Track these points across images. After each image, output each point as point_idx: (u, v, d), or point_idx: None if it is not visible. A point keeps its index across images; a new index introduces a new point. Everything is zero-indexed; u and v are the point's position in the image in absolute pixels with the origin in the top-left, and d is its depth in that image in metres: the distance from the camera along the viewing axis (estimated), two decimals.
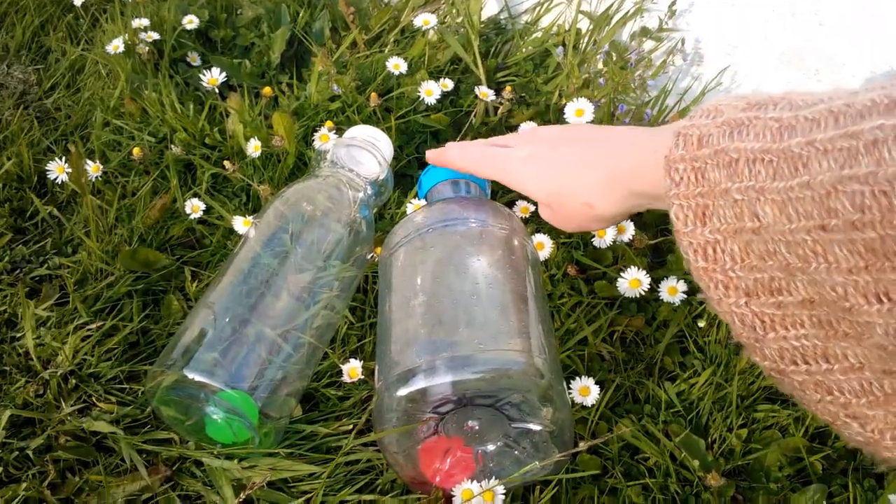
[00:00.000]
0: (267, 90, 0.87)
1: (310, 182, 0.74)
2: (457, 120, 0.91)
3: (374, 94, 0.84)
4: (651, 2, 0.90)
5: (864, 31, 0.78)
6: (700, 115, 0.40)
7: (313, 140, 0.81)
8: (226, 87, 0.96)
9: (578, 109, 0.78)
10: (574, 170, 0.53)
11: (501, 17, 1.03)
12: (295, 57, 1.04)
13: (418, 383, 0.51)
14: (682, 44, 0.88)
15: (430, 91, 0.85)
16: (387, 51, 1.00)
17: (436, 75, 0.95)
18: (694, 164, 0.38)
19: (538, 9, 1.00)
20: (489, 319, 0.55)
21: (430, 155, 0.69)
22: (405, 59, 0.94)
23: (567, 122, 0.81)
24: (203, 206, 0.77)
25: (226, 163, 0.79)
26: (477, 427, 0.53)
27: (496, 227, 0.64)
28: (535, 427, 0.52)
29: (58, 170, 0.80)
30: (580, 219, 0.55)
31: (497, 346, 0.54)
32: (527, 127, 0.85)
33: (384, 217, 0.80)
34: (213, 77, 0.86)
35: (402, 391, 0.51)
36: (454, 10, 1.01)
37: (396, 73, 0.88)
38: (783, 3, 0.82)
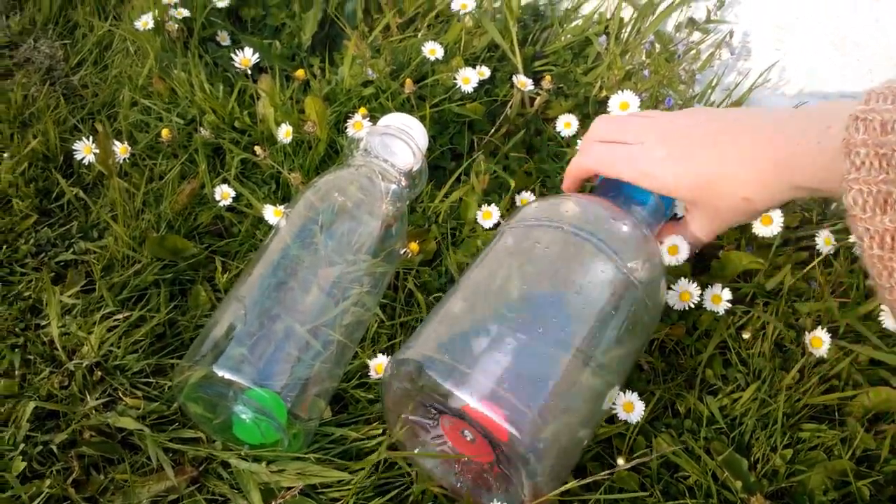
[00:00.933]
0: (300, 73, 0.85)
1: (342, 172, 0.71)
2: (492, 110, 0.88)
3: (408, 81, 0.82)
4: None
5: None
6: (876, 100, 0.39)
7: (346, 127, 0.79)
8: (256, 70, 0.94)
9: (623, 102, 0.75)
10: (729, 166, 0.51)
11: (541, 2, 1.00)
12: (327, 39, 1.02)
13: (439, 379, 0.49)
14: (731, 37, 0.85)
15: (468, 79, 0.82)
16: (420, 35, 0.98)
17: (471, 62, 0.92)
18: (878, 149, 0.37)
19: None
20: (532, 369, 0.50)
21: (570, 169, 0.65)
22: (441, 44, 0.92)
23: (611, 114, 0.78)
24: (233, 194, 0.75)
25: (256, 148, 0.77)
26: (469, 438, 0.51)
27: (629, 273, 0.55)
28: (513, 480, 0.50)
29: (85, 150, 0.78)
30: (733, 215, 0.54)
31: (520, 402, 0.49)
32: (571, 120, 0.82)
33: (416, 210, 0.78)
34: (245, 58, 0.83)
35: (429, 374, 0.49)
36: None
37: (432, 58, 0.85)
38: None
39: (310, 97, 0.79)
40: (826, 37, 0.81)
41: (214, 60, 0.96)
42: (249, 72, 0.86)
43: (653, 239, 0.59)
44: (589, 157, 0.62)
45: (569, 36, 0.96)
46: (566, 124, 0.83)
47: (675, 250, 0.61)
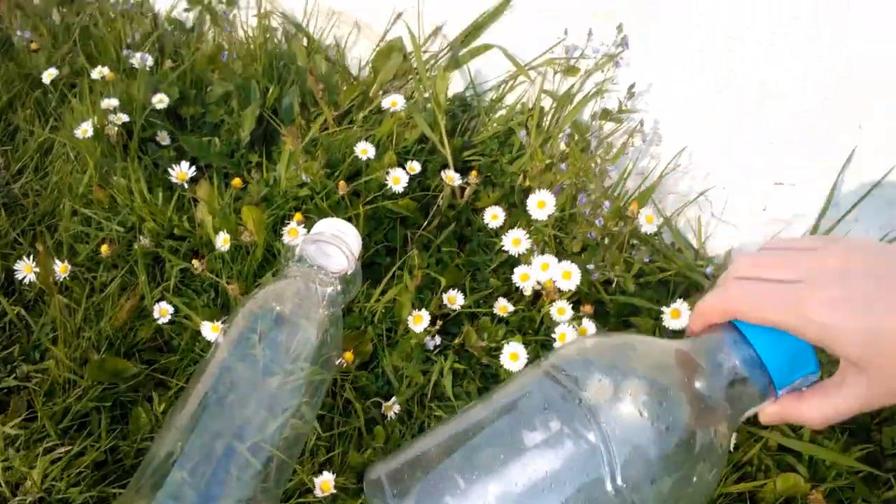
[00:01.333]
0: (236, 182, 0.88)
1: (279, 283, 0.75)
2: (425, 202, 0.92)
3: (342, 183, 0.86)
4: (612, 83, 0.92)
5: (826, 119, 0.81)
6: None
7: (283, 231, 0.82)
8: (197, 168, 0.97)
9: (540, 201, 0.80)
10: None
11: (467, 93, 1.05)
12: (265, 134, 1.05)
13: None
14: (642, 125, 0.90)
15: (398, 179, 0.87)
16: (356, 127, 1.02)
17: (404, 155, 0.97)
18: None
19: (503, 86, 1.02)
20: None
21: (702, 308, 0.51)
22: (374, 137, 0.96)
23: (531, 214, 0.83)
24: (171, 310, 0.77)
25: (194, 262, 0.80)
26: None
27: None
28: None
29: (26, 269, 0.80)
30: None
31: None
32: (498, 212, 0.87)
33: (353, 311, 0.81)
34: (181, 171, 0.86)
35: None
36: (421, 86, 1.03)
37: (364, 157, 0.90)
38: (749, 87, 0.84)
39: (246, 207, 0.82)
40: (733, 118, 0.87)
41: (154, 161, 0.99)
42: (187, 185, 0.89)
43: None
44: (730, 296, 0.49)
45: (495, 125, 1.01)
46: (493, 216, 0.87)
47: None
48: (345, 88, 1.09)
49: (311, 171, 0.87)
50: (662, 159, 0.92)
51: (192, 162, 0.90)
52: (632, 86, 0.90)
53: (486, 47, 1.00)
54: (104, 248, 0.82)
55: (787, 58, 0.81)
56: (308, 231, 0.80)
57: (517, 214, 0.91)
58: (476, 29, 0.99)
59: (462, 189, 0.92)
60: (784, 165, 0.86)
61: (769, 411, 0.50)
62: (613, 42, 0.89)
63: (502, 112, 1.02)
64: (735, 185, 0.89)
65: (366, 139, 0.98)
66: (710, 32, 0.84)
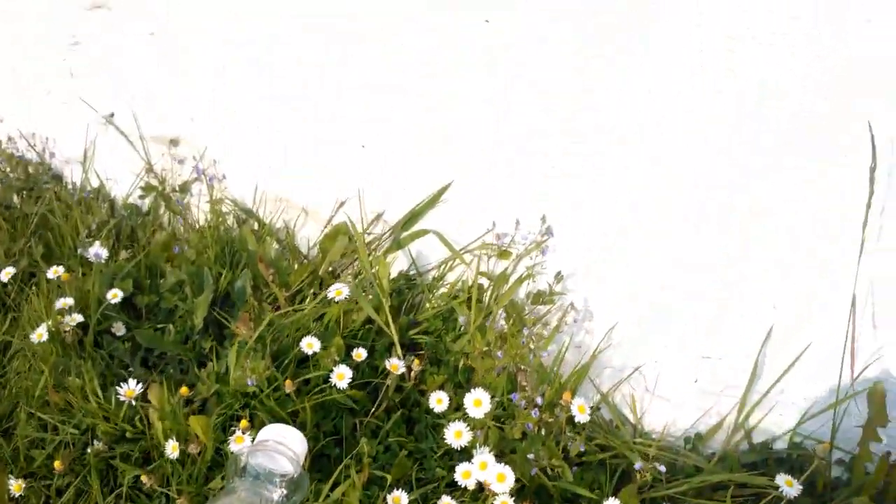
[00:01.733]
0: (184, 390, 0.91)
1: (226, 499, 0.77)
2: (374, 385, 0.96)
3: (288, 382, 0.89)
4: (541, 267, 0.98)
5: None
6: None
7: (229, 439, 0.85)
8: (153, 356, 1.01)
9: (476, 400, 0.84)
10: None
11: (412, 272, 1.10)
12: (220, 316, 1.09)
13: None
14: (572, 306, 0.96)
15: (342, 375, 0.90)
16: (307, 308, 1.06)
17: (352, 337, 1.01)
18: None
19: (443, 266, 1.07)
20: None
21: None
22: (322, 323, 1.00)
23: (468, 412, 0.87)
24: None
25: (143, 476, 0.82)
26: None
27: None
28: None
29: None
30: None
31: None
32: (443, 396, 0.90)
33: None
34: (129, 389, 0.89)
35: None
36: (367, 267, 1.08)
37: (310, 351, 0.93)
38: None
39: (193, 417, 0.85)
40: (656, 301, 0.92)
41: (110, 354, 1.02)
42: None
43: None
44: None
45: (438, 303, 1.06)
46: (438, 401, 0.91)
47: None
48: (296, 267, 1.15)
49: (257, 370, 0.90)
50: (596, 334, 0.97)
51: (147, 354, 0.93)
52: (558, 273, 0.96)
53: (424, 232, 1.06)
54: (57, 464, 0.84)
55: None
56: (253, 438, 0.83)
57: (463, 393, 0.95)
58: (414, 216, 1.06)
59: (409, 369, 0.96)
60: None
61: None
62: (539, 231, 0.95)
63: (444, 290, 1.07)
64: (666, 359, 0.94)
65: (315, 320, 1.03)
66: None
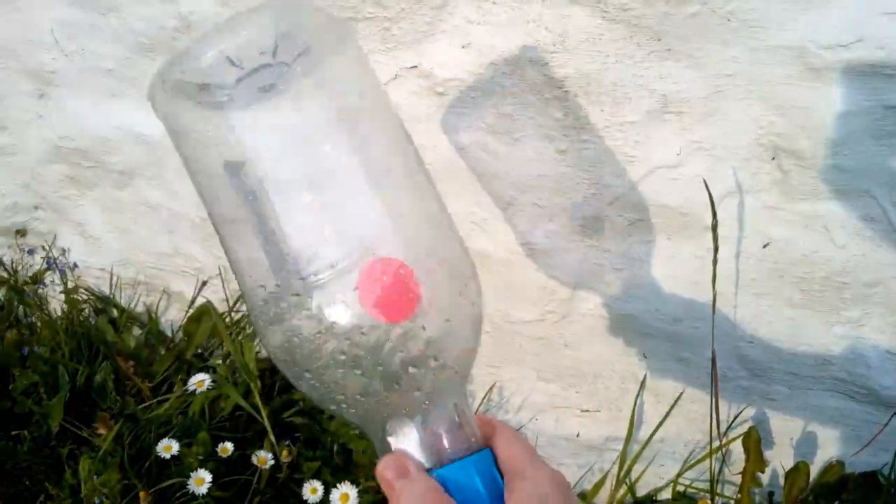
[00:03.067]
0: None
1: None
2: (244, 481, 0.90)
3: (143, 494, 0.82)
4: None
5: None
6: None
7: None
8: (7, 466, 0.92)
9: (343, 495, 0.79)
10: None
11: None
12: (80, 413, 1.01)
13: None
14: None
15: (201, 480, 0.84)
16: (172, 398, 0.99)
17: (220, 427, 0.95)
18: None
19: None
20: None
21: None
22: (187, 415, 0.94)
23: None
24: None
25: None
26: None
27: None
28: None
29: None
30: None
31: None
32: (318, 486, 0.85)
33: None
34: None
35: None
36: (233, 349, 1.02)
37: (168, 455, 0.87)
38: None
39: None
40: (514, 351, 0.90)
41: None
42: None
43: None
44: None
45: None
46: (312, 490, 0.86)
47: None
48: (163, 353, 1.08)
49: (109, 483, 0.83)
50: (477, 397, 0.94)
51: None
52: None
53: None
54: None
55: None
56: None
57: (341, 476, 0.90)
58: None
59: (284, 451, 0.90)
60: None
61: None
62: None
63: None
64: (545, 414, 0.91)
65: (181, 412, 0.96)
66: None
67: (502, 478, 0.40)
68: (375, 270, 0.44)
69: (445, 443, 0.42)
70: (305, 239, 0.43)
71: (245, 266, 0.45)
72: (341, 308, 0.42)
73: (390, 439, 0.42)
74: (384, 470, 0.40)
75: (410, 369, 0.41)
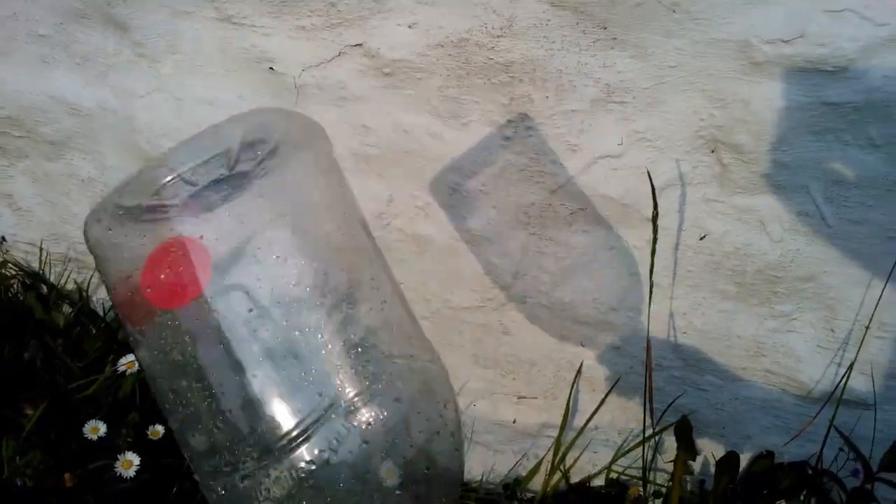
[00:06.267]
0: None
1: None
2: (176, 465, 0.88)
3: (67, 475, 0.80)
4: None
5: None
6: None
7: None
8: None
9: None
10: None
11: None
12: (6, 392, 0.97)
13: None
14: None
15: (129, 463, 0.82)
16: (100, 380, 0.96)
17: (151, 409, 0.92)
18: None
19: None
20: None
21: None
22: (119, 395, 0.91)
23: None
24: None
25: None
26: None
27: None
28: None
29: None
30: None
31: None
32: None
33: None
34: None
35: None
36: None
37: (95, 437, 0.84)
38: None
39: None
40: None
41: None
42: None
43: None
44: None
45: None
46: None
47: None
48: (93, 332, 1.04)
49: (33, 463, 0.80)
50: None
51: None
52: None
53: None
54: None
55: None
56: None
57: None
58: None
59: None
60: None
61: None
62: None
63: None
64: (482, 400, 0.91)
65: (110, 395, 0.93)
66: None
67: None
68: (159, 254, 0.43)
69: None
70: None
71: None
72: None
73: None
74: None
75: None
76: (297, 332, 0.45)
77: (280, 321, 0.45)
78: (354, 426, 0.43)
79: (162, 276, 0.43)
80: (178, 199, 0.43)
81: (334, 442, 0.43)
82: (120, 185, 0.43)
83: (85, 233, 0.43)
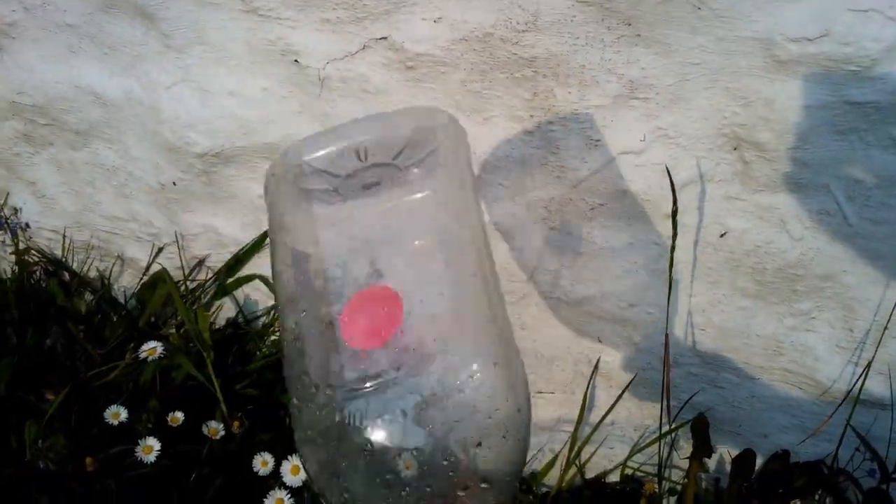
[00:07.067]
0: None
1: None
2: (195, 451, 0.89)
3: (88, 460, 0.81)
4: None
5: None
6: None
7: None
8: None
9: (293, 467, 0.79)
10: None
11: (239, 319, 1.04)
12: (31, 375, 0.99)
13: None
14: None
15: (149, 448, 0.83)
16: (121, 367, 0.97)
17: (171, 397, 0.93)
18: None
19: (273, 312, 1.01)
20: None
21: None
22: (139, 382, 0.92)
23: (286, 482, 0.82)
24: None
25: None
26: None
27: None
28: None
29: None
30: None
31: None
32: (268, 459, 0.85)
33: None
34: None
35: None
36: (188, 318, 1.00)
37: (116, 422, 0.85)
38: None
39: None
40: None
41: None
42: None
43: None
44: None
45: (270, 350, 1.00)
46: (262, 463, 0.85)
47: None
48: (115, 319, 1.06)
49: (55, 447, 0.81)
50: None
51: None
52: None
53: (251, 277, 1.00)
54: None
55: None
56: None
57: (293, 449, 0.90)
58: (238, 262, 0.99)
59: (235, 422, 0.89)
60: None
61: None
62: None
63: (276, 336, 1.01)
64: None
65: (131, 381, 0.95)
66: None
67: None
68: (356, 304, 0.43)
69: None
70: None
71: (296, 357, 0.43)
72: (391, 426, 0.40)
73: None
74: None
75: (460, 493, 0.40)
76: None
77: None
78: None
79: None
80: (342, 172, 0.43)
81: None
82: (307, 139, 0.43)
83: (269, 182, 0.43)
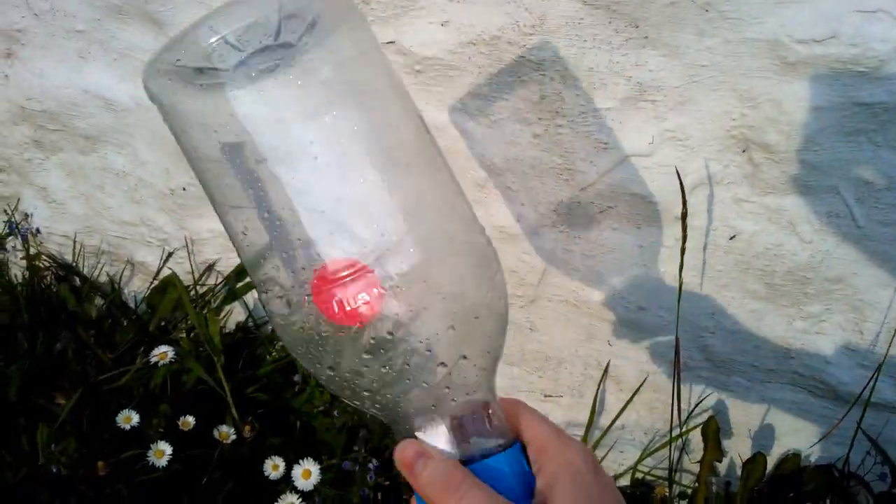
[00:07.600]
0: None
1: None
2: (205, 455, 0.89)
3: (101, 464, 0.81)
4: None
5: None
6: None
7: None
8: None
9: (305, 471, 0.79)
10: None
11: (249, 323, 1.04)
12: (42, 381, 0.99)
13: None
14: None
15: (161, 452, 0.83)
16: (132, 371, 0.98)
17: (181, 402, 0.94)
18: None
19: None
20: None
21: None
22: (149, 386, 0.93)
23: (296, 485, 0.82)
24: None
25: None
26: None
27: None
28: None
29: None
30: None
31: None
32: (279, 463, 0.85)
33: None
34: None
35: None
36: (198, 322, 1.01)
37: (128, 426, 0.86)
38: None
39: None
40: None
41: None
42: None
43: None
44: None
45: (280, 354, 1.00)
46: (273, 467, 0.85)
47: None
48: (125, 324, 1.06)
49: (67, 451, 0.82)
50: None
51: None
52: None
53: None
54: None
55: None
56: None
57: (304, 453, 0.90)
58: None
59: (246, 426, 0.90)
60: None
61: None
62: None
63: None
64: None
65: (142, 386, 0.95)
66: None
67: (529, 463, 0.40)
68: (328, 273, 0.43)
69: (475, 439, 0.41)
70: (315, 229, 0.41)
71: (253, 256, 0.43)
72: (362, 308, 0.40)
73: (418, 434, 0.41)
74: (403, 450, 0.40)
75: (439, 368, 0.40)
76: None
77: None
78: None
79: None
80: (228, 65, 0.42)
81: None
82: (167, 44, 0.42)
83: (145, 85, 0.43)
